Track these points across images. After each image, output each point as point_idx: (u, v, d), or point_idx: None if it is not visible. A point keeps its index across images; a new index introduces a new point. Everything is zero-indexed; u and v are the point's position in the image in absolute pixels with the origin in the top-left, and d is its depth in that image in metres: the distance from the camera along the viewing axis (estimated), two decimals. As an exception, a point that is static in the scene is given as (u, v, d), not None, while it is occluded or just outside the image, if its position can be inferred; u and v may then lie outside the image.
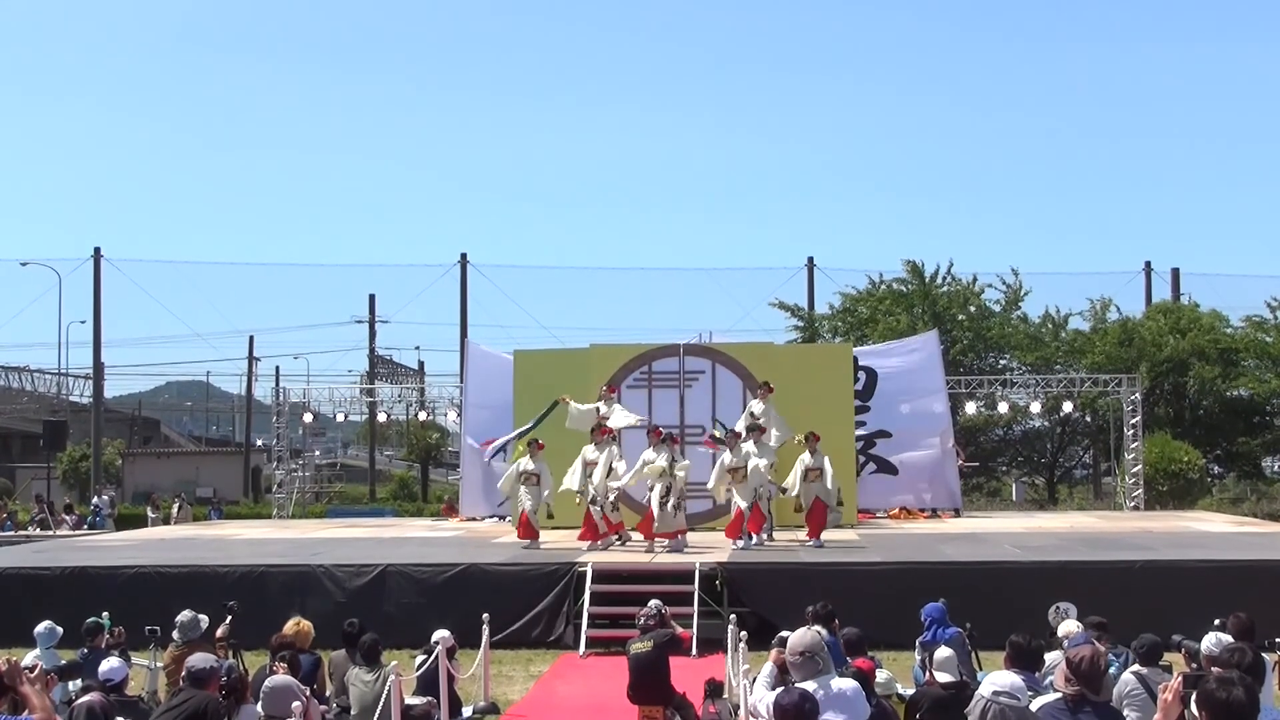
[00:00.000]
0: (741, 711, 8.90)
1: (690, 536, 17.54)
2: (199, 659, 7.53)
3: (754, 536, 16.68)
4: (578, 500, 17.17)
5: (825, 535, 17.10)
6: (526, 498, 17.44)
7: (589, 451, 17.24)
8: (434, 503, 35.24)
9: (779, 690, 5.62)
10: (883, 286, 35.48)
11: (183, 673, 7.44)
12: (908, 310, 34.10)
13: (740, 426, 17.66)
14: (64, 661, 9.35)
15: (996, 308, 35.22)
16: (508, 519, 21.63)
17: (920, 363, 24.24)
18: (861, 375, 23.55)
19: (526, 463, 17.57)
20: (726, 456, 16.94)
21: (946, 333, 31.40)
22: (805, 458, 17.37)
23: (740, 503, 16.59)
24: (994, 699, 5.67)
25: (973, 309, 34.72)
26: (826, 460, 17.38)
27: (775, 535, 17.62)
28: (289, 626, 9.91)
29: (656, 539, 16.53)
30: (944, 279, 35.03)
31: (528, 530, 17.19)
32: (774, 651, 7.97)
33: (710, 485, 17.26)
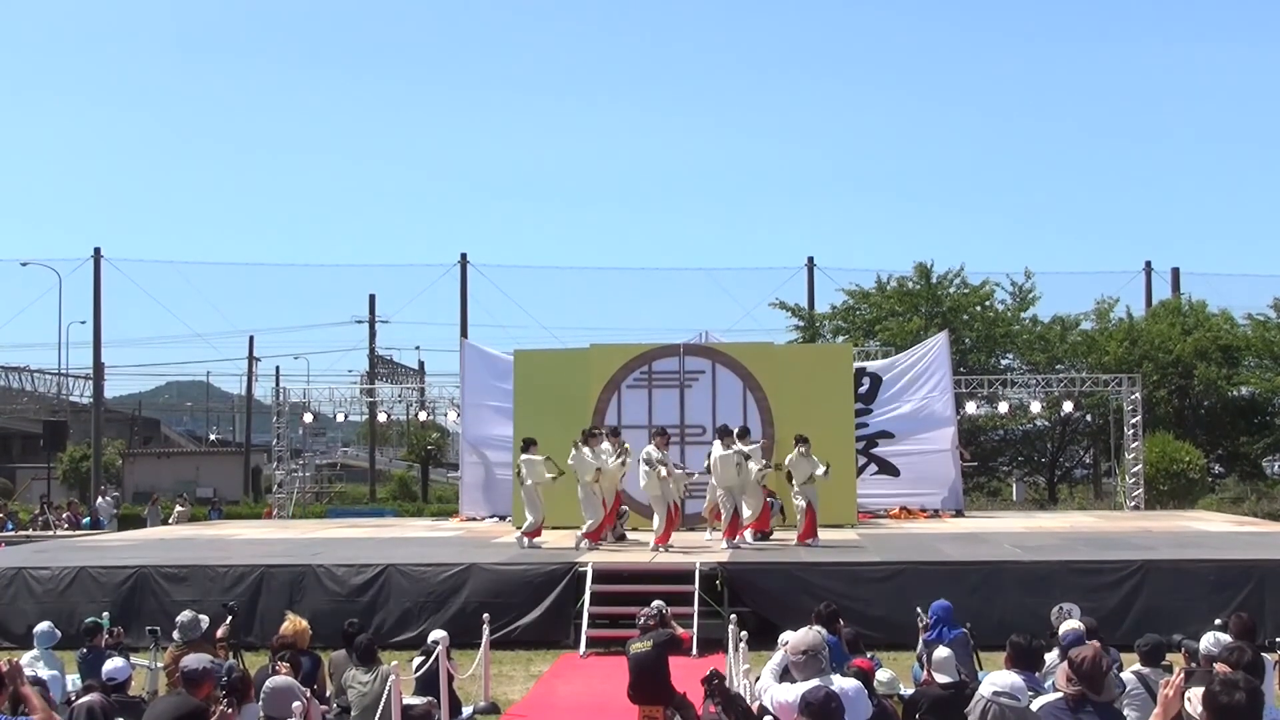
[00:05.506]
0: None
1: (690, 536, 17.59)
2: (193, 659, 7.51)
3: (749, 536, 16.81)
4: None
5: (826, 536, 17.14)
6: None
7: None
8: (434, 503, 35.26)
9: (806, 687, 5.59)
10: (891, 284, 35.41)
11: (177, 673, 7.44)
12: (914, 310, 34.06)
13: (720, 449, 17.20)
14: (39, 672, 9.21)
15: (1000, 307, 35.19)
16: (508, 519, 21.64)
17: (927, 364, 24.29)
18: (865, 381, 23.63)
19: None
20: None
21: (954, 332, 31.39)
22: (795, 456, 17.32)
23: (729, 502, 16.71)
24: (994, 699, 5.66)
25: (978, 308, 34.70)
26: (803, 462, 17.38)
27: (774, 536, 17.67)
28: (286, 626, 9.89)
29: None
30: (952, 281, 35.00)
31: (537, 530, 17.07)
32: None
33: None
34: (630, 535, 18.04)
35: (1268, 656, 7.37)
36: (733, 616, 12.26)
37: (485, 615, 12.40)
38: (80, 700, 7.89)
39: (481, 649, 11.75)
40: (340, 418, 36.43)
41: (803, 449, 17.17)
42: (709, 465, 17.20)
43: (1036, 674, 7.45)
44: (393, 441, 58.72)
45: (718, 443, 17.01)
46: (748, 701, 8.02)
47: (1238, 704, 4.22)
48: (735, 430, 17.22)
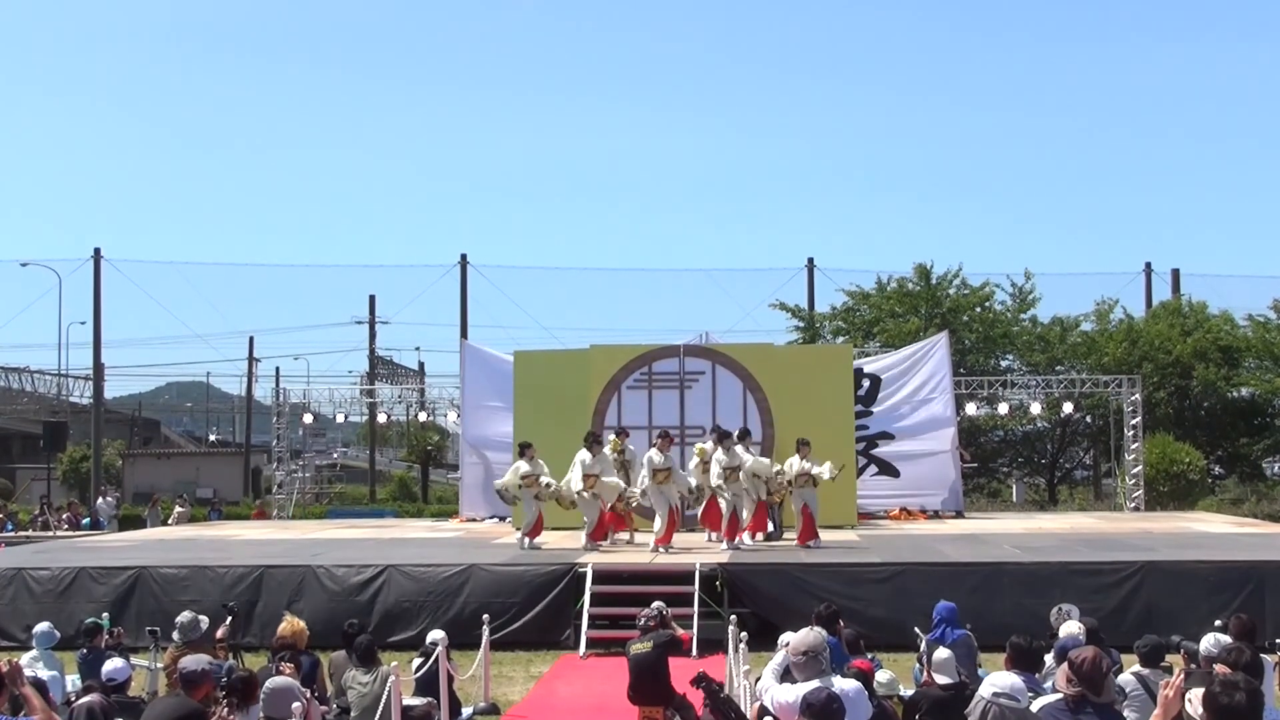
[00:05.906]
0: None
1: (691, 537, 17.58)
2: (191, 660, 7.51)
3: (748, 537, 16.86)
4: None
5: (826, 536, 17.15)
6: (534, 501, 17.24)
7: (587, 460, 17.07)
8: (434, 503, 35.23)
9: (808, 688, 5.59)
10: (891, 284, 35.39)
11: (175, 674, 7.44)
12: (914, 311, 34.05)
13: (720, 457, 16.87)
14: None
15: (1000, 307, 35.17)
16: (508, 519, 21.63)
17: (927, 365, 24.28)
18: (865, 383, 23.63)
19: (524, 465, 17.35)
20: (721, 455, 16.83)
21: (953, 333, 31.41)
22: (795, 461, 17.27)
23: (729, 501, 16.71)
24: (994, 700, 5.66)
25: (977, 309, 34.70)
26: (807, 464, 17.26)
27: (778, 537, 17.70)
28: (283, 626, 9.90)
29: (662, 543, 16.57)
30: (952, 281, 34.98)
31: (536, 530, 17.07)
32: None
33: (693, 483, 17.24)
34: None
35: (1267, 658, 7.38)
36: (733, 617, 12.26)
37: (485, 616, 12.41)
38: (80, 701, 7.89)
39: (481, 650, 11.75)
40: (340, 418, 36.39)
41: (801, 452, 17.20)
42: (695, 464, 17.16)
43: (1036, 675, 7.45)
44: (393, 442, 58.66)
45: (709, 443, 17.00)
46: (744, 703, 8.03)
47: (1238, 705, 4.23)
48: (736, 431, 17.21)
